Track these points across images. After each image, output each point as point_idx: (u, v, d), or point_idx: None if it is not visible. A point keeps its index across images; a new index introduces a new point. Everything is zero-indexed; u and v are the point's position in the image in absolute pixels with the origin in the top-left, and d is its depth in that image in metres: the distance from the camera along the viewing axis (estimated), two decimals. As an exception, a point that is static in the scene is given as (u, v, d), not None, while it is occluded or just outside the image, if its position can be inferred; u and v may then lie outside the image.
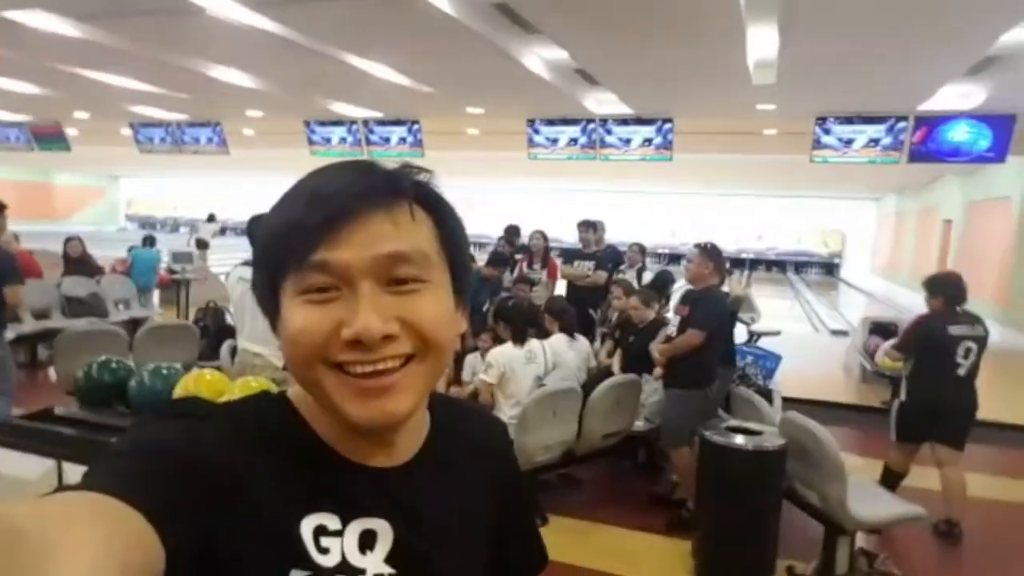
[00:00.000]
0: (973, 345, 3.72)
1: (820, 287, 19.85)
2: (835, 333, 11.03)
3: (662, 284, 6.03)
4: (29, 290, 6.59)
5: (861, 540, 3.38)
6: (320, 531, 0.56)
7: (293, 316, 0.55)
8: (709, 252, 3.86)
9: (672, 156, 8.28)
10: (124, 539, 0.44)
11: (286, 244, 0.55)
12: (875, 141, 7.52)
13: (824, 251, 24.23)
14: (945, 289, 3.89)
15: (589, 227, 6.47)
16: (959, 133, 7.19)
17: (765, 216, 24.05)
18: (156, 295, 9.28)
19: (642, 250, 6.87)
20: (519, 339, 3.96)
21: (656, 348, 3.92)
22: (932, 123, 7.23)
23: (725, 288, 4.21)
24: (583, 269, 6.38)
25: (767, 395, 4.58)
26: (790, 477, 3.34)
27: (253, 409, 0.62)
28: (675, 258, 25.60)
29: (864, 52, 5.30)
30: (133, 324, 7.06)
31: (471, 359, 4.35)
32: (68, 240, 7.80)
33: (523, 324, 4.07)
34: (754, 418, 3.60)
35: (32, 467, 2.31)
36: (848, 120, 7.49)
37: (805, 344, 9.26)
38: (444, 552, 0.63)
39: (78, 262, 7.57)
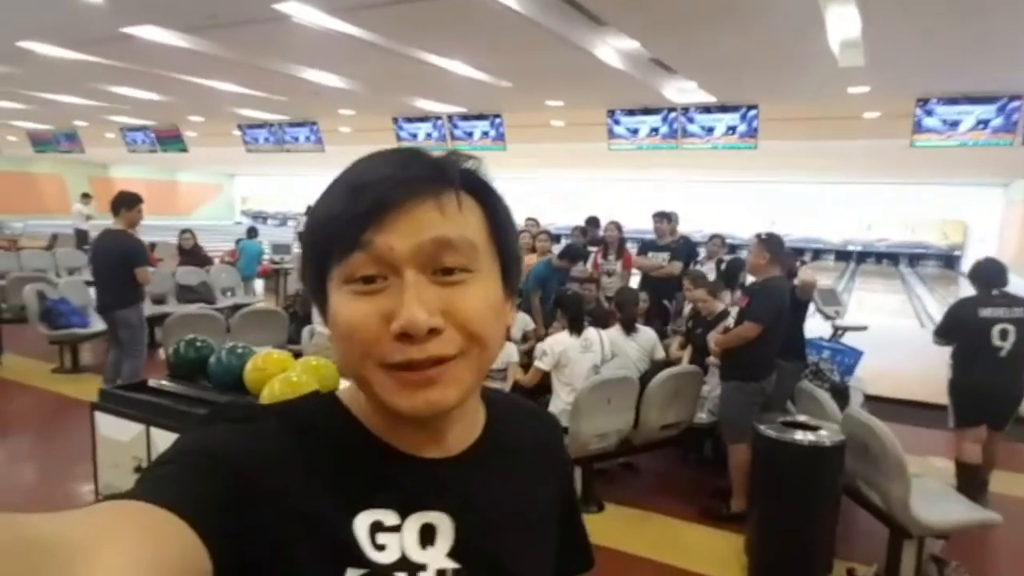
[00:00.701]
0: (1010, 327, 3.72)
1: (937, 281, 18.41)
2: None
3: (734, 272, 5.90)
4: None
5: (936, 546, 3.22)
6: (376, 527, 0.55)
7: (341, 309, 0.55)
8: (766, 242, 3.76)
9: (757, 144, 8.00)
10: (165, 547, 0.43)
11: (332, 231, 0.54)
12: (984, 122, 6.95)
13: (943, 243, 22.39)
14: (978, 273, 4.00)
15: (664, 218, 6.41)
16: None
17: (875, 205, 22.56)
18: (260, 283, 10.02)
19: (722, 242, 6.71)
20: (575, 328, 4.01)
21: (712, 339, 3.87)
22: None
23: (798, 279, 4.10)
24: (657, 260, 6.33)
25: (843, 392, 4.39)
26: (852, 476, 3.23)
27: (301, 409, 0.62)
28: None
29: (956, 28, 4.93)
30: (236, 310, 7.69)
31: (540, 347, 4.44)
32: (182, 233, 8.56)
33: (579, 314, 4.11)
34: (817, 414, 3.49)
35: (127, 430, 2.63)
36: (953, 101, 6.97)
37: (906, 341, 8.69)
38: (510, 545, 0.62)
39: (190, 253, 8.29)
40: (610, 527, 3.58)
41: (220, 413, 0.59)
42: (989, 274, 3.96)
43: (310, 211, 0.60)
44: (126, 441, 2.63)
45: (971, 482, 3.76)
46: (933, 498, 3.08)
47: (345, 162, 0.60)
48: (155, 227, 18.40)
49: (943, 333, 4.09)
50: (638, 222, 7.33)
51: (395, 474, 0.58)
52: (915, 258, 22.63)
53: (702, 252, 6.93)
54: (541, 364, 3.95)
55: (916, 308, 13.45)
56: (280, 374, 2.48)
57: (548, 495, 0.71)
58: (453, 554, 0.57)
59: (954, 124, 7.01)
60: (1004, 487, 4.27)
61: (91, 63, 7.24)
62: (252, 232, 9.71)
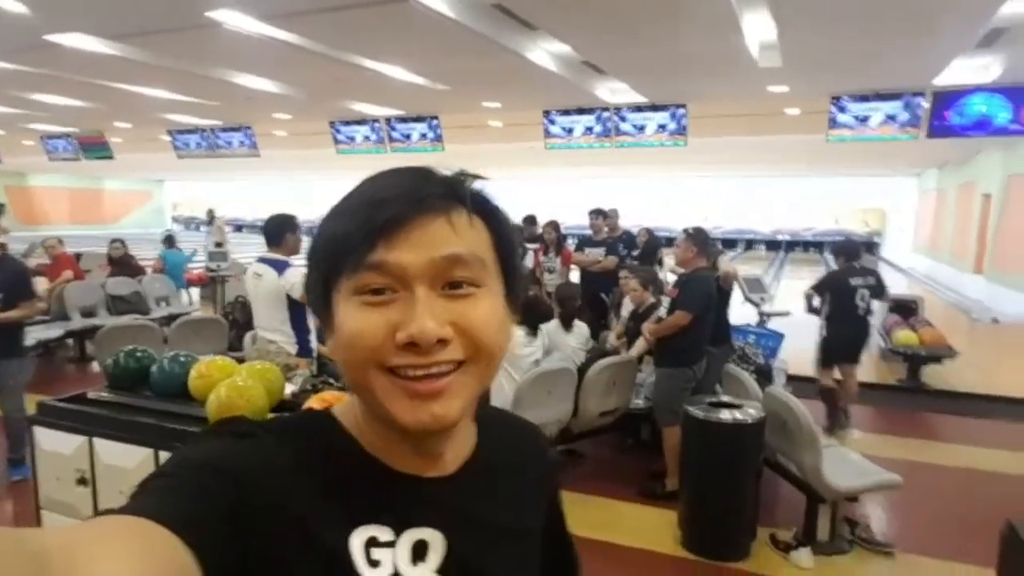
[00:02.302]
0: (866, 291, 5.07)
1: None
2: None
3: (653, 248, 6.29)
4: (76, 290, 7.13)
5: (848, 509, 3.51)
6: (371, 543, 0.56)
7: (349, 318, 0.55)
8: (694, 236, 4.01)
9: (687, 141, 8.34)
10: (155, 562, 0.43)
11: (344, 245, 0.55)
12: (892, 117, 7.46)
13: (864, 230, 23.71)
14: (846, 250, 5.34)
15: (599, 215, 6.65)
16: (978, 106, 7.09)
17: (801, 196, 23.73)
18: (196, 292, 9.79)
19: (649, 233, 7.03)
20: (531, 331, 4.15)
21: (646, 328, 4.08)
22: (949, 97, 7.13)
23: (720, 270, 4.36)
24: (594, 255, 6.57)
25: (767, 373, 4.70)
26: (773, 449, 3.49)
27: (299, 426, 0.62)
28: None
29: (864, 31, 5.32)
30: (173, 319, 7.53)
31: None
32: (111, 243, 8.31)
33: (536, 318, 4.25)
34: (742, 394, 3.75)
35: (68, 443, 2.63)
36: (863, 98, 7.45)
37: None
38: (498, 561, 0.63)
39: (120, 263, 8.06)
40: (554, 512, 3.74)
41: (221, 428, 0.59)
42: (853, 251, 5.34)
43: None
44: (68, 454, 2.63)
45: (834, 406, 5.10)
46: (843, 466, 3.37)
47: (280, 165, 0.66)
48: (80, 236, 17.67)
49: (819, 289, 5.29)
50: (578, 219, 7.54)
51: (390, 493, 0.59)
52: (856, 242, 24.07)
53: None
54: None
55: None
56: (226, 379, 2.51)
57: (537, 508, 0.73)
58: (442, 570, 0.58)
59: (864, 119, 7.49)
60: (912, 454, 4.67)
61: (10, 70, 6.97)
62: (169, 241, 9.46)
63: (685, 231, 4.10)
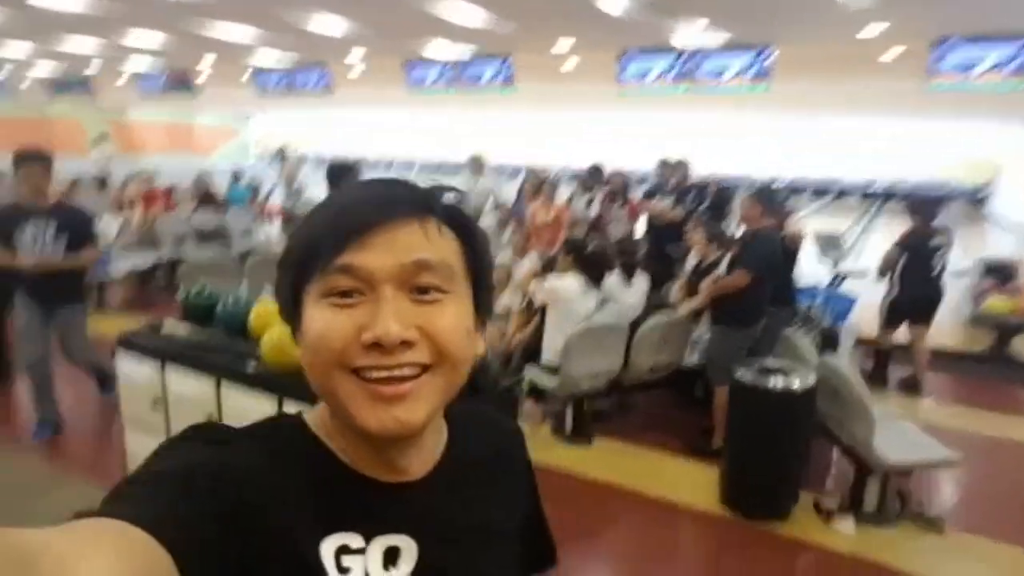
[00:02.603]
0: (943, 252, 4.98)
1: (964, 223, 18.08)
2: (959, 274, 10.17)
3: (722, 203, 6.06)
4: (166, 222, 7.59)
5: (903, 481, 3.41)
6: (342, 550, 0.56)
7: (316, 319, 0.56)
8: (759, 195, 3.85)
9: (768, 86, 7.88)
10: (139, 563, 0.44)
11: (314, 249, 0.56)
12: (1005, 63, 6.78)
13: (972, 183, 21.90)
14: (923, 210, 5.15)
15: (667, 166, 6.45)
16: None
17: (901, 144, 22.02)
18: (277, 226, 10.22)
19: (720, 186, 6.77)
20: (593, 282, 4.12)
21: (703, 286, 4.00)
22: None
23: (786, 231, 4.18)
24: (661, 207, 6.40)
25: (832, 337, 4.53)
26: (825, 416, 3.41)
27: (272, 433, 0.62)
28: (797, 190, 24.34)
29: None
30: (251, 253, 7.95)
31: (545, 282, 4.55)
32: (197, 178, 8.74)
33: (599, 272, 4.21)
34: (797, 360, 3.64)
35: (144, 370, 2.88)
36: (972, 40, 6.78)
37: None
38: (470, 565, 0.64)
39: (206, 198, 8.49)
40: (597, 460, 3.82)
41: (195, 434, 0.59)
42: (932, 209, 5.17)
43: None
44: (143, 380, 2.88)
45: (883, 366, 5.14)
46: (899, 438, 3.25)
47: (357, 104, 0.64)
48: (172, 168, 18.62)
49: (898, 251, 5.06)
50: (650, 165, 7.28)
51: (361, 499, 0.59)
52: (940, 199, 22.32)
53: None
54: (539, 298, 4.11)
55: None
56: (279, 322, 2.65)
57: (512, 506, 0.73)
58: (415, 575, 0.59)
59: (970, 66, 6.84)
60: (989, 428, 4.44)
61: (104, 8, 7.29)
62: (235, 177, 9.84)
63: (750, 190, 3.94)
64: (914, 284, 4.95)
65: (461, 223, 0.61)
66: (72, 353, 3.93)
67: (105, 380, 4.06)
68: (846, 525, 3.13)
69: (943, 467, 3.27)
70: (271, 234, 9.83)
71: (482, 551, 0.66)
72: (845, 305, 4.93)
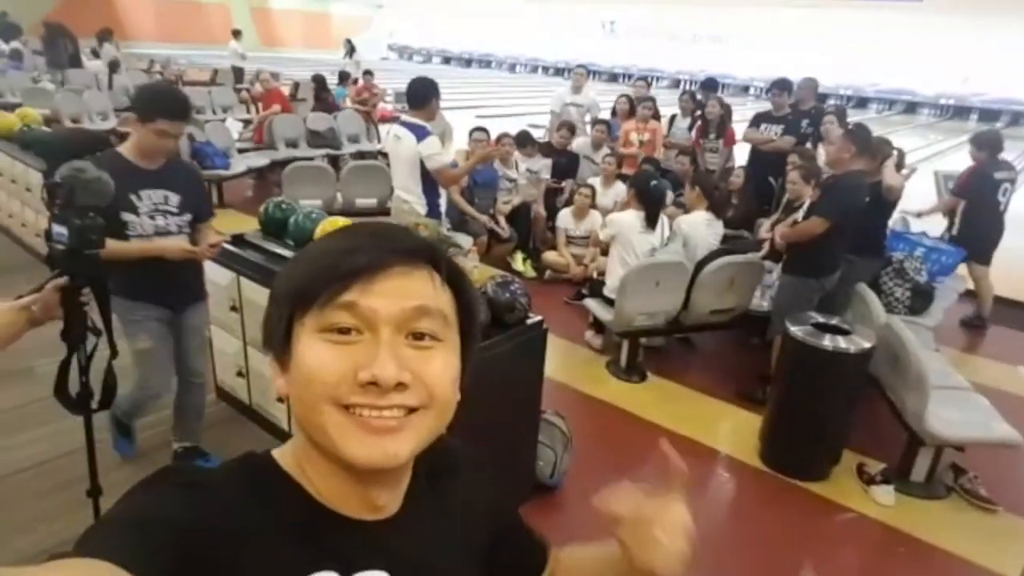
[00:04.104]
0: (1009, 186, 4.89)
1: None
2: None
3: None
4: (282, 123, 8.04)
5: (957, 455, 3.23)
6: None
7: (311, 353, 0.57)
8: (854, 134, 3.52)
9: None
10: None
11: (318, 283, 0.57)
12: None
13: None
14: (989, 143, 4.97)
15: (783, 89, 5.92)
16: None
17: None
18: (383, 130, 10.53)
19: (814, 88, 6.13)
20: (650, 222, 4.07)
21: (778, 231, 3.79)
22: None
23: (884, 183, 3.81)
24: (767, 134, 5.97)
25: (926, 293, 4.19)
26: (881, 381, 3.25)
27: (242, 473, 0.62)
28: (962, 111, 21.64)
29: None
30: (361, 156, 8.30)
31: (608, 218, 4.55)
32: (315, 76, 9.08)
33: (656, 209, 4.14)
34: (866, 317, 3.44)
35: (224, 276, 3.22)
36: None
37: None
38: None
39: (320, 100, 8.85)
40: (643, 397, 3.88)
41: (168, 476, 0.59)
42: (998, 143, 4.98)
43: (287, 266, 0.62)
44: (224, 285, 3.23)
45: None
46: (960, 411, 3.06)
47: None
48: (308, 61, 19.29)
49: (965, 188, 4.96)
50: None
51: (335, 538, 0.60)
52: None
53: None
54: (603, 234, 4.14)
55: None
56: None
57: (481, 529, 0.76)
58: None
59: None
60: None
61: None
62: (343, 77, 10.01)
63: (845, 128, 3.60)
64: (980, 221, 4.87)
65: (457, 277, 0.64)
66: (193, 364, 2.85)
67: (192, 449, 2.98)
68: (883, 494, 3.05)
69: (1004, 447, 3.04)
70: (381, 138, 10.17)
71: None
72: (952, 259, 4.49)
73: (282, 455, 0.64)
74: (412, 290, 0.59)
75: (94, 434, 2.12)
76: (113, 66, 10.93)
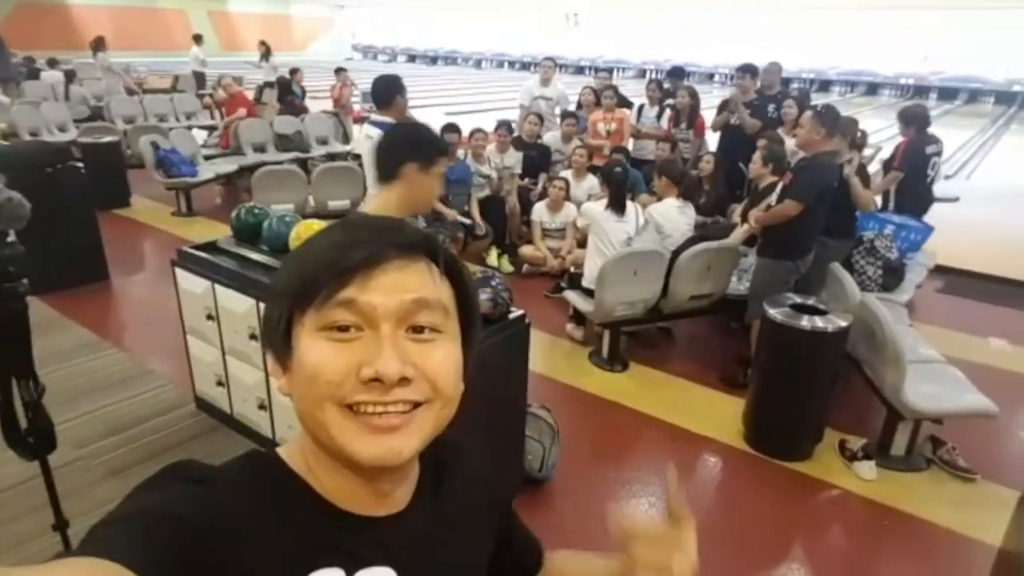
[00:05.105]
0: (938, 159, 5.08)
1: None
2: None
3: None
4: (249, 128, 7.90)
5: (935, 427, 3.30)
6: None
7: (312, 351, 0.57)
8: (823, 115, 3.56)
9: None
10: None
11: (318, 280, 0.57)
12: None
13: None
14: (917, 118, 5.03)
15: (745, 72, 5.98)
16: None
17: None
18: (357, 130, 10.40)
19: (779, 73, 6.17)
20: (617, 207, 4.10)
21: (752, 215, 3.83)
22: None
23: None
24: (733, 119, 6.02)
25: (896, 270, 4.28)
26: (859, 357, 3.30)
27: (247, 470, 0.62)
28: (921, 90, 22.13)
29: None
30: (331, 158, 8.19)
31: (582, 207, 4.57)
32: (280, 79, 8.95)
33: (621, 193, 4.17)
34: (841, 296, 3.50)
35: (198, 284, 3.16)
36: None
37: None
38: None
39: (285, 102, 8.73)
40: (627, 386, 3.91)
41: (174, 473, 0.59)
42: (925, 117, 5.07)
43: (284, 263, 0.63)
44: (199, 293, 3.17)
45: None
46: (937, 385, 3.13)
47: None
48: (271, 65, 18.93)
49: (899, 167, 5.00)
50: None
51: (341, 534, 0.60)
52: None
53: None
54: (579, 222, 4.16)
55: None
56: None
57: (486, 532, 0.76)
58: None
59: None
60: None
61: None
62: (292, 72, 9.92)
63: (813, 108, 3.65)
64: (915, 197, 4.98)
65: (455, 269, 0.64)
66: None
67: None
68: (865, 469, 3.10)
69: (980, 417, 3.11)
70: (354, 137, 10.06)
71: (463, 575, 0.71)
72: (920, 235, 4.59)
73: (287, 452, 0.64)
74: (410, 283, 0.58)
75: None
76: (70, 76, 10.66)
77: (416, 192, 2.08)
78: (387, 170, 2.05)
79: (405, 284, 0.58)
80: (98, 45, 10.11)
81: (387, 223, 0.62)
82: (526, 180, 6.14)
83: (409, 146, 2.05)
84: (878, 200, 5.14)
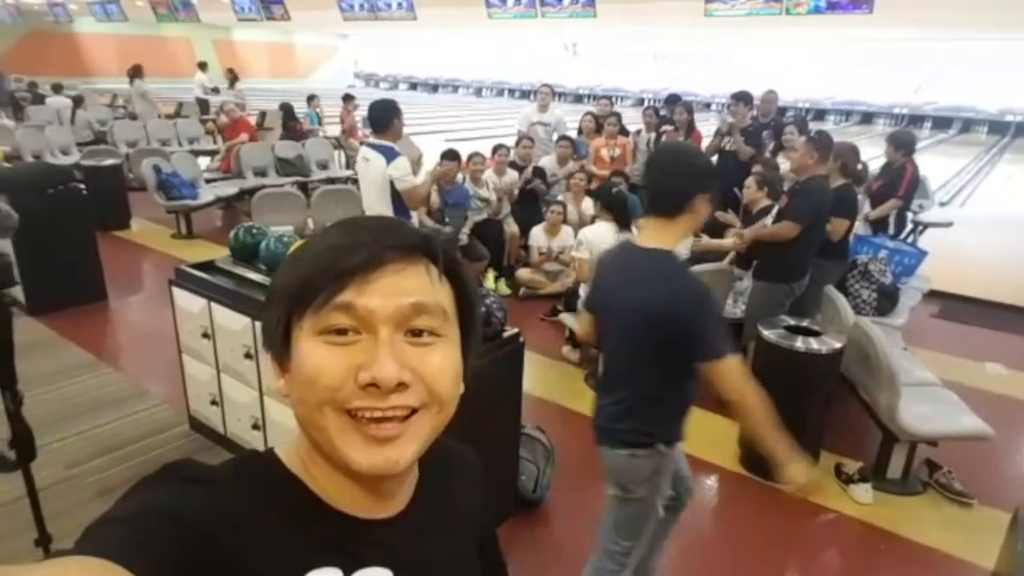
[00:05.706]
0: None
1: None
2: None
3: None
4: (250, 152, 7.98)
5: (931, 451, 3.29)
6: None
7: (310, 355, 0.56)
8: (816, 141, 3.62)
9: (872, 7, 7.15)
10: None
11: (314, 284, 0.56)
12: None
13: None
14: (905, 144, 5.18)
15: (739, 100, 6.07)
16: None
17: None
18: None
19: (775, 101, 6.34)
20: (622, 225, 4.08)
21: (748, 232, 3.86)
22: None
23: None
24: (728, 143, 6.09)
25: (891, 294, 4.29)
26: (854, 380, 3.30)
27: (246, 470, 0.62)
28: (915, 119, 22.43)
29: None
30: (331, 182, 8.26)
31: (579, 236, 4.57)
32: (282, 105, 9.07)
33: (625, 212, 4.17)
34: (835, 319, 3.51)
35: (195, 303, 3.17)
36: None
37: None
38: None
39: (287, 128, 8.84)
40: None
41: (172, 472, 0.58)
42: (913, 143, 5.22)
43: (284, 264, 0.62)
44: (195, 312, 3.18)
45: None
46: (932, 407, 3.12)
47: (439, 27, 0.65)
48: (274, 91, 19.23)
49: (905, 194, 5.11)
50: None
51: (338, 534, 0.60)
52: None
53: None
54: (580, 254, 4.13)
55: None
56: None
57: (474, 536, 0.77)
58: None
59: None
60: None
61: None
62: (308, 99, 10.10)
63: (807, 135, 3.71)
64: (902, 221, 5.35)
65: (455, 270, 0.63)
66: None
67: None
68: (861, 492, 3.09)
69: (975, 440, 3.10)
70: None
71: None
72: (914, 260, 4.61)
73: (286, 453, 0.63)
74: (409, 287, 0.58)
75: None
76: (77, 101, 10.82)
77: (697, 221, 2.01)
78: (677, 202, 1.92)
79: (403, 287, 0.57)
80: (135, 73, 10.36)
81: (386, 223, 0.61)
82: (535, 181, 6.12)
83: (699, 177, 1.94)
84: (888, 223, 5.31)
